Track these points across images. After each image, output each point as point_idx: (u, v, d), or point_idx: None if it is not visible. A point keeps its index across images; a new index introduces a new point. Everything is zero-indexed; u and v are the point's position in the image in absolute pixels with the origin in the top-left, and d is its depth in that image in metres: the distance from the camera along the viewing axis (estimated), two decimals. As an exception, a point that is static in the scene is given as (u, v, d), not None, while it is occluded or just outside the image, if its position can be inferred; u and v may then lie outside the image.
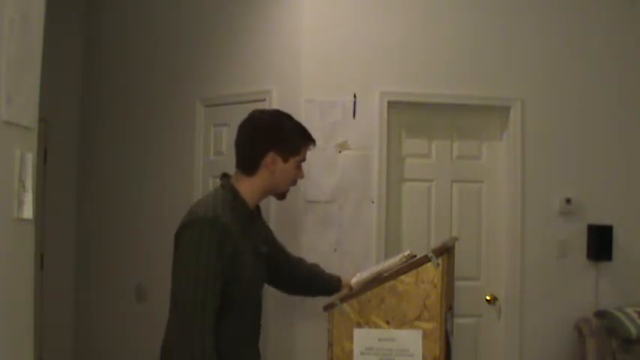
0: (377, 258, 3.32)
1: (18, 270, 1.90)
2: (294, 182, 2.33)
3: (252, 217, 2.26)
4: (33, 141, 1.97)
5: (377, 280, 2.29)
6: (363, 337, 2.23)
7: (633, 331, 3.36)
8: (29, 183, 1.88)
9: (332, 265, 3.19)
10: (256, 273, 2.25)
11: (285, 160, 2.23)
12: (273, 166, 2.21)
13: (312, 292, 2.64)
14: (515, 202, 3.57)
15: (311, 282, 2.61)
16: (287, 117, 2.33)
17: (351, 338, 2.24)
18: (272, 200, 2.64)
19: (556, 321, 3.59)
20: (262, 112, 2.38)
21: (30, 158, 1.89)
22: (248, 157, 2.22)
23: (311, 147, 2.32)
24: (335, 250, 3.33)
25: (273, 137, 2.22)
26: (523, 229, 3.57)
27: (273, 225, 3.37)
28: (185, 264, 2.05)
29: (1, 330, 1.78)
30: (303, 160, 2.31)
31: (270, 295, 2.84)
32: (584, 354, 3.45)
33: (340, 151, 3.36)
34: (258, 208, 2.33)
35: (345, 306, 2.27)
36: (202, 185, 3.72)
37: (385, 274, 2.29)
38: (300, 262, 2.63)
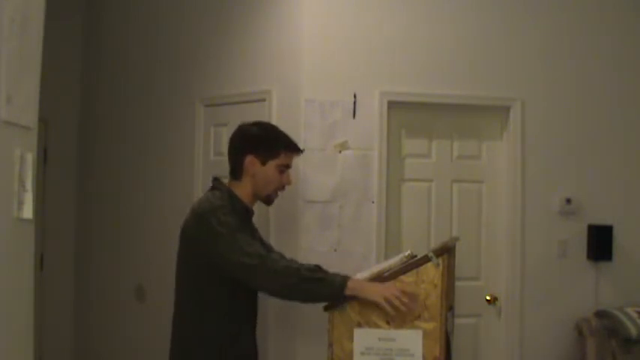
0: (377, 258, 3.31)
1: (18, 270, 1.90)
2: (280, 187, 2.48)
3: (249, 212, 2.45)
4: (33, 141, 1.97)
5: (377, 280, 2.29)
6: (363, 337, 2.23)
7: (633, 331, 3.36)
8: (29, 183, 1.88)
9: (332, 265, 3.18)
10: None
11: (263, 163, 2.39)
12: (252, 168, 2.38)
13: None
14: (515, 202, 3.57)
15: None
16: (271, 126, 2.59)
17: (351, 338, 2.24)
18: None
19: (556, 321, 3.59)
20: (250, 123, 2.55)
21: (30, 158, 1.89)
22: (232, 162, 2.43)
23: (295, 154, 2.48)
24: (335, 250, 3.33)
25: (251, 140, 2.42)
26: (523, 229, 3.57)
27: (272, 225, 3.38)
28: (222, 243, 2.22)
29: (1, 330, 1.78)
30: (287, 166, 2.45)
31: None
32: (584, 354, 3.45)
33: (340, 151, 3.36)
34: (252, 211, 2.49)
35: (346, 306, 2.27)
36: (202, 185, 3.71)
37: (385, 274, 2.30)
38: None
